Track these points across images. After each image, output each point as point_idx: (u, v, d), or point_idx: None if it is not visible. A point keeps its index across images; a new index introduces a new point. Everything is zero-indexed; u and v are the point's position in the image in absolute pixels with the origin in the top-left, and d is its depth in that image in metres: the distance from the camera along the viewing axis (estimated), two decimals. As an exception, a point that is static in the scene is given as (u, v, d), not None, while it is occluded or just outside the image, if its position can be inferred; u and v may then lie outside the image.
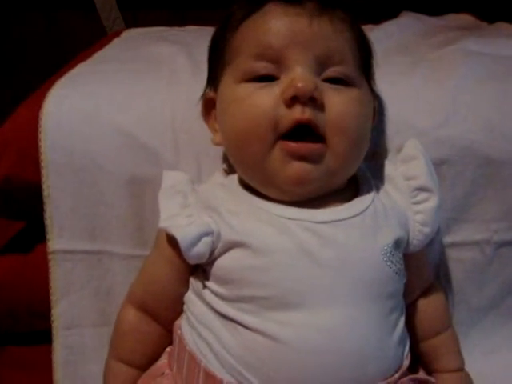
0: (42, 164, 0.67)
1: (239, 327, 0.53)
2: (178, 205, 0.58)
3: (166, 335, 0.61)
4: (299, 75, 0.53)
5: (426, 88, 0.69)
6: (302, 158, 0.53)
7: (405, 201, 0.60)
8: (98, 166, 0.66)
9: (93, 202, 0.67)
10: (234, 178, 0.61)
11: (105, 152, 0.66)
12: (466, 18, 0.99)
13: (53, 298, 0.69)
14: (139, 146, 0.66)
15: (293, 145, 0.53)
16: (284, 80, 0.54)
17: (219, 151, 0.65)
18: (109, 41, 0.93)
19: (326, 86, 0.54)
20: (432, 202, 0.59)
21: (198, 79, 0.67)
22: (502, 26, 0.91)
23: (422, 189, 0.60)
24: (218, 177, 0.62)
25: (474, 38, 0.81)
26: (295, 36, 0.54)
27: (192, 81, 0.69)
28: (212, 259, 0.55)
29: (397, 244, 0.57)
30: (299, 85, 0.52)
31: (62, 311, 0.69)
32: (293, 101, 0.52)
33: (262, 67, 0.55)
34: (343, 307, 0.52)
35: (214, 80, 0.61)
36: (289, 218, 0.54)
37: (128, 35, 0.97)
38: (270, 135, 0.53)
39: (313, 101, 0.52)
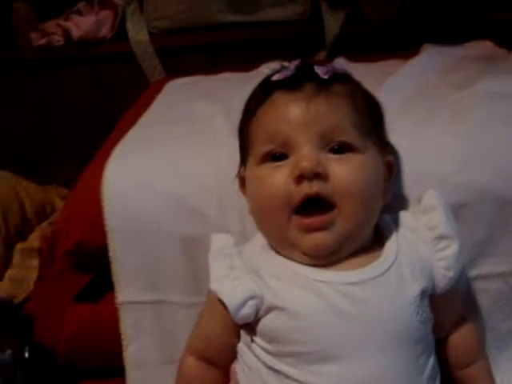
0: (107, 229, 0.76)
1: (284, 378, 0.60)
2: (226, 267, 0.65)
3: (225, 377, 0.68)
4: (303, 155, 0.61)
5: (444, 135, 0.74)
6: (315, 229, 0.61)
7: (428, 249, 0.65)
8: (155, 228, 0.75)
9: (152, 259, 0.76)
10: None
11: (160, 215, 0.75)
12: (485, 46, 1.02)
13: (124, 342, 0.79)
14: (190, 208, 0.74)
15: (305, 221, 0.61)
16: (292, 159, 0.62)
17: (260, 211, 0.72)
18: (152, 95, 1.02)
19: (331, 157, 0.62)
20: (453, 249, 0.65)
21: (235, 143, 0.73)
22: (519, 57, 0.95)
23: (442, 237, 0.65)
24: (259, 239, 0.69)
25: (493, 76, 0.85)
26: (297, 120, 0.62)
27: (231, 144, 0.75)
28: (257, 319, 0.63)
29: (422, 294, 0.62)
30: (303, 164, 0.60)
31: (131, 354, 0.79)
32: (300, 178, 0.60)
33: (275, 150, 0.63)
34: (374, 358, 0.59)
35: (243, 160, 0.70)
36: (322, 281, 0.61)
37: (169, 89, 1.05)
38: (284, 209, 0.61)
39: (318, 175, 0.60)
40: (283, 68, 0.67)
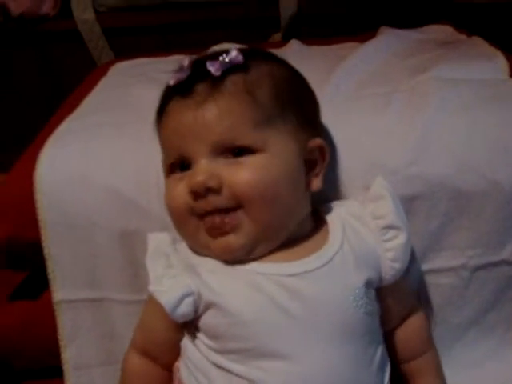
0: (41, 224, 0.71)
1: (230, 375, 0.57)
2: (163, 267, 0.62)
3: (169, 375, 0.66)
4: (196, 171, 0.58)
5: (398, 125, 0.71)
6: (222, 233, 0.58)
7: (375, 239, 0.63)
8: (91, 223, 0.71)
9: (90, 255, 0.72)
10: None
11: (97, 209, 0.70)
12: (445, 30, 0.99)
13: (61, 343, 0.75)
14: (128, 201, 0.70)
15: (214, 220, 0.58)
16: (188, 173, 0.59)
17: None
18: (96, 79, 0.96)
19: (228, 162, 0.58)
20: (401, 239, 0.62)
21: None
22: (478, 42, 0.92)
23: (390, 227, 0.62)
24: None
25: (450, 61, 0.83)
26: (186, 132, 0.59)
27: None
28: (198, 316, 0.60)
29: (367, 285, 0.60)
30: (193, 181, 0.57)
31: (71, 355, 0.76)
32: (195, 194, 0.58)
33: (175, 164, 0.61)
34: (317, 353, 0.56)
35: None
36: (260, 273, 0.59)
37: (114, 72, 1.00)
38: (191, 218, 0.60)
39: (210, 190, 0.57)
40: (179, 69, 0.61)
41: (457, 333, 0.75)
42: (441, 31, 1.00)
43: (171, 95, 0.61)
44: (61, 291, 0.73)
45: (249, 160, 0.58)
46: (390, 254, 0.62)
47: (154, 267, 0.62)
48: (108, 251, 0.72)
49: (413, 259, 0.70)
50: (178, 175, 0.61)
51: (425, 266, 0.72)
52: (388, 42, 0.94)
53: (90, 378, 0.76)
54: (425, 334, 0.70)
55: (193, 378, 0.61)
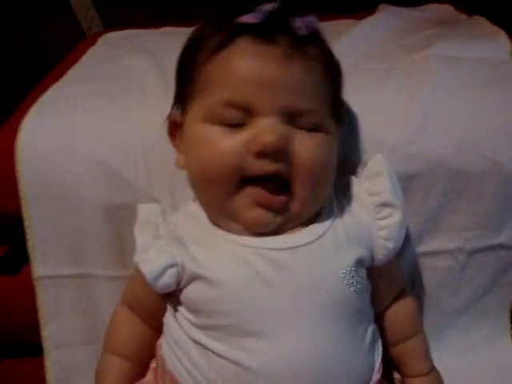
0: (21, 195, 0.68)
1: (210, 353, 0.55)
2: (151, 237, 0.60)
3: (155, 333, 0.64)
4: (267, 128, 0.53)
5: (398, 102, 0.69)
6: (267, 207, 0.55)
7: (369, 216, 0.61)
8: (75, 195, 0.68)
9: (73, 228, 0.69)
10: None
11: (81, 181, 0.67)
12: (445, 9, 0.97)
13: (41, 320, 0.72)
14: (113, 173, 0.67)
15: (265, 195, 0.55)
16: (252, 128, 0.54)
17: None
18: (84, 50, 0.92)
19: (296, 131, 0.55)
20: (396, 218, 0.60)
21: (167, 103, 0.65)
22: (480, 21, 0.90)
23: (385, 205, 0.60)
24: (190, 206, 0.64)
25: (450, 39, 0.81)
26: (263, 82, 0.53)
27: (162, 105, 0.67)
28: (180, 288, 0.58)
29: (358, 263, 0.58)
30: (268, 139, 0.52)
31: (51, 333, 0.73)
32: (261, 154, 0.53)
33: (231, 116, 0.54)
34: (303, 332, 0.54)
35: (181, 102, 0.61)
36: (246, 246, 0.56)
37: (103, 42, 0.96)
38: (235, 180, 0.55)
39: (279, 153, 0.53)
40: (256, 9, 0.54)
41: (451, 317, 0.73)
42: (441, 10, 0.98)
43: (240, 32, 0.54)
44: (41, 266, 0.70)
45: (319, 137, 0.56)
46: (383, 233, 0.60)
47: (142, 238, 0.60)
48: (92, 225, 0.69)
49: (408, 240, 0.68)
50: (224, 128, 0.54)
51: (421, 248, 0.70)
52: (386, 19, 0.92)
53: (72, 356, 0.73)
54: (415, 316, 0.68)
55: (174, 356, 0.58)
